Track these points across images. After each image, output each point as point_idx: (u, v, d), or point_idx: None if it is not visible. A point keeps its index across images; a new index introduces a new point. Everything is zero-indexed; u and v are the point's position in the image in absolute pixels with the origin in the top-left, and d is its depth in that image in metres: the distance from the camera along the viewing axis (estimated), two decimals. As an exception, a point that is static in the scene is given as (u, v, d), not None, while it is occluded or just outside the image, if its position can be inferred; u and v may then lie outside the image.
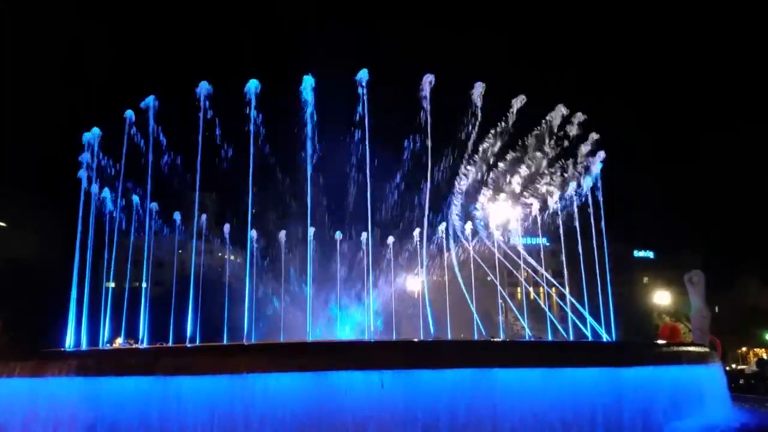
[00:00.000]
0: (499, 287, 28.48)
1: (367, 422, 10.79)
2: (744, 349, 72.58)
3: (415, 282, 29.13)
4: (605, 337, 24.09)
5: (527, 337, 26.97)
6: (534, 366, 11.20)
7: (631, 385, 11.67)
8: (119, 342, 22.96)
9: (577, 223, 28.45)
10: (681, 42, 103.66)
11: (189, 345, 19.36)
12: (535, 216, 30.04)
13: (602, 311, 26.63)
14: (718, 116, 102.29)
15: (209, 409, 10.94)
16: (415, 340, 19.81)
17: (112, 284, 24.70)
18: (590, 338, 24.31)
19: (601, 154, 26.59)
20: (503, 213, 34.61)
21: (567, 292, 28.39)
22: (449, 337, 23.81)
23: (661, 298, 58.59)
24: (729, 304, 64.77)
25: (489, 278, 28.72)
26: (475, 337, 23.74)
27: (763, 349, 71.09)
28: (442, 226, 28.29)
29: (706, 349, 17.16)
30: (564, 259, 28.15)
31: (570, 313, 26.82)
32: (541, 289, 30.52)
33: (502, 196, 39.59)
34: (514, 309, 27.34)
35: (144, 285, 25.18)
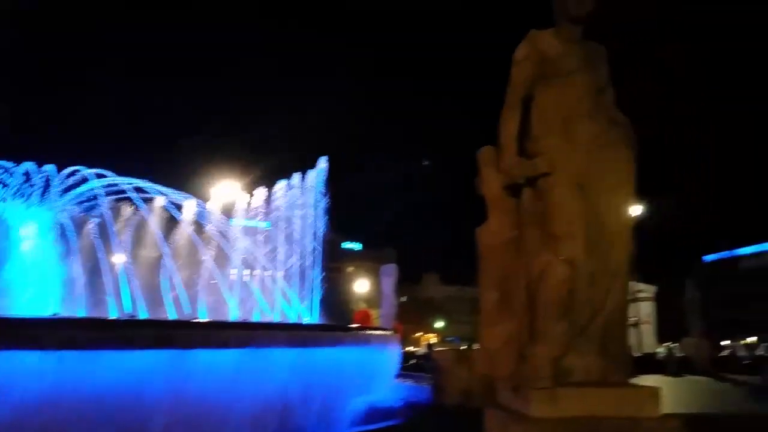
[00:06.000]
0: (213, 267, 27.98)
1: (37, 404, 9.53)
2: (419, 334, 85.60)
3: (118, 257, 26.59)
4: (307, 320, 25.72)
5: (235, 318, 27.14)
6: (231, 347, 11.25)
7: (319, 366, 12.57)
8: None
9: (297, 211, 29.89)
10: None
11: None
12: (259, 200, 30.49)
13: (312, 296, 28.59)
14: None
15: None
16: (102, 318, 18.20)
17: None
18: (295, 320, 25.59)
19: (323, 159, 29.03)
20: (227, 194, 34.23)
21: (280, 276, 29.51)
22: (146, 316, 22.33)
23: (361, 286, 65.13)
24: (413, 296, 76.87)
25: (203, 258, 27.94)
26: (175, 317, 22.85)
27: (433, 335, 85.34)
28: (160, 199, 26.39)
29: (389, 333, 19.68)
30: (279, 245, 29.26)
31: (280, 296, 27.89)
32: (257, 272, 31.01)
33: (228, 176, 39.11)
34: (224, 290, 27.18)
35: None
